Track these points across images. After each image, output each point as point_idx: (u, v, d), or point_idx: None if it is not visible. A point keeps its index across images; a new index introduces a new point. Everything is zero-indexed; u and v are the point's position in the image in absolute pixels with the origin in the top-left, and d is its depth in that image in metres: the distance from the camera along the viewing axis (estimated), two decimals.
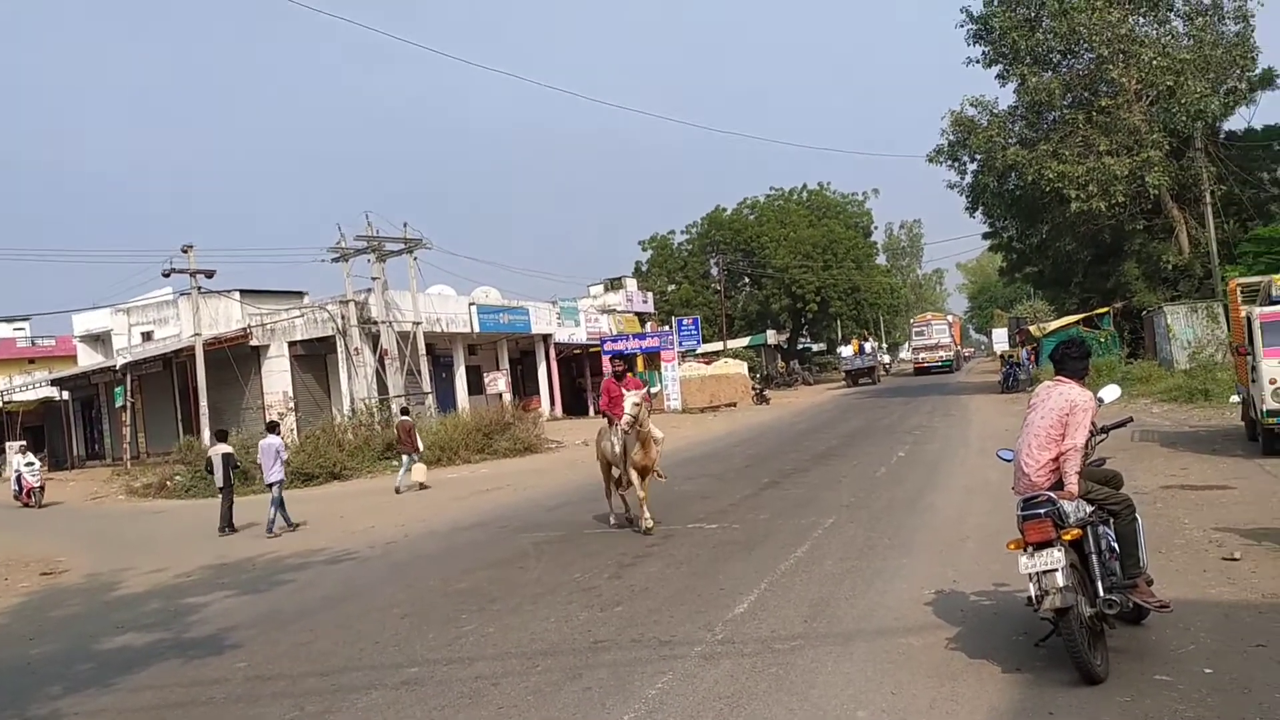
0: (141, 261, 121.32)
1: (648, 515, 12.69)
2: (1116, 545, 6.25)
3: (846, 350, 63.22)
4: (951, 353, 65.75)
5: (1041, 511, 5.96)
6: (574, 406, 46.99)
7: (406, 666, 7.42)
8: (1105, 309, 37.68)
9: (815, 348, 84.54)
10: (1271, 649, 6.05)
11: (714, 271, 69.94)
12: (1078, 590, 5.81)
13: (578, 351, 48.38)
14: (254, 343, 33.80)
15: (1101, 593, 5.99)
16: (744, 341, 67.29)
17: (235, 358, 32.14)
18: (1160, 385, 27.77)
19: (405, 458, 21.78)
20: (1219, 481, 12.77)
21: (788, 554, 10.31)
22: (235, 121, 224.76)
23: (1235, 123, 38.27)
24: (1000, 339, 70.58)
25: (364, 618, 9.38)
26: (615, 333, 50.12)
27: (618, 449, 13.02)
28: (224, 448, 18.21)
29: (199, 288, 30.59)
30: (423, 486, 21.37)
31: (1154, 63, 32.29)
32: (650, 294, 62.29)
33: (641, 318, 57.18)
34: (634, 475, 12.81)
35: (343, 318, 32.54)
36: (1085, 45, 33.97)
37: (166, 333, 37.49)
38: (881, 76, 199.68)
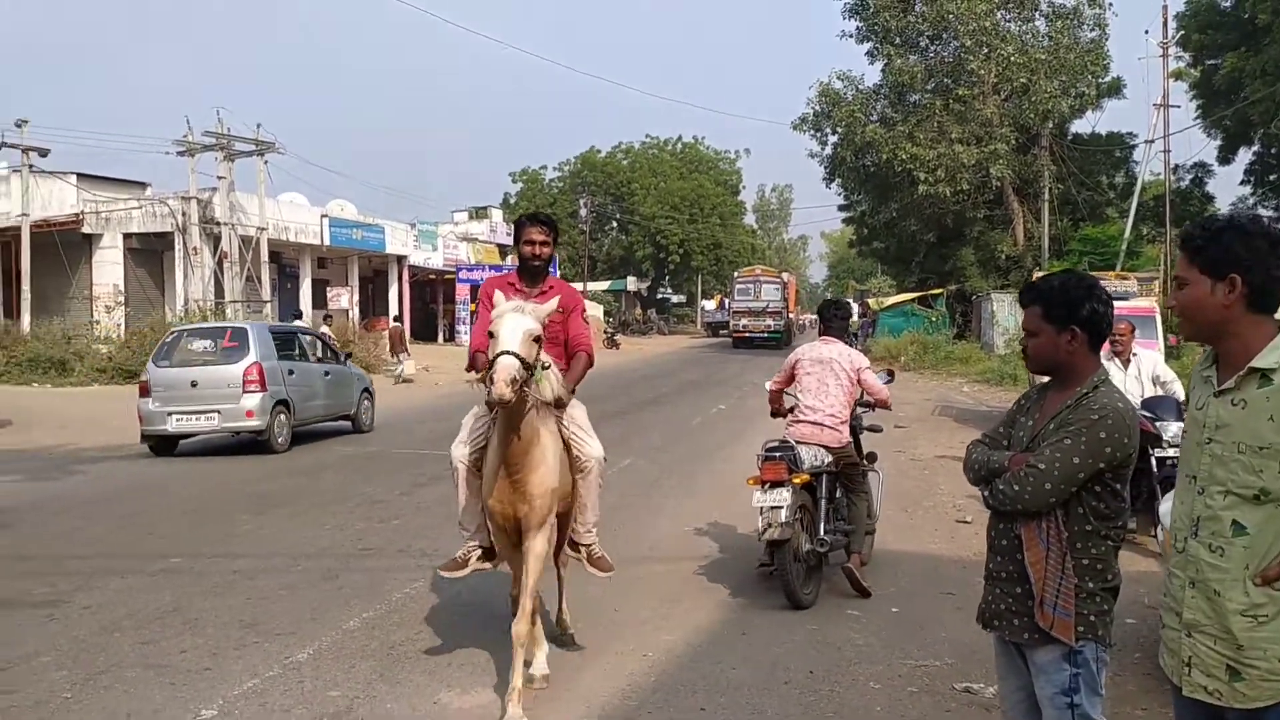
0: None
1: (540, 664, 5.21)
2: (853, 495, 6.96)
3: (709, 304, 66.37)
4: (783, 321, 50.05)
5: (779, 455, 6.55)
6: (424, 332, 46.62)
7: (171, 556, 7.57)
8: (940, 290, 39.47)
9: (675, 299, 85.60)
10: (957, 597, 6.77)
11: (582, 212, 69.85)
12: (798, 527, 6.43)
13: (432, 277, 47.90)
14: (86, 230, 32.27)
15: (822, 533, 6.66)
16: (604, 285, 67.66)
17: (64, 244, 30.63)
18: (978, 367, 29.41)
19: (399, 357, 26.95)
20: None
21: None
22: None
23: (1081, 126, 40.54)
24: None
25: (146, 511, 9.44)
26: (473, 261, 49.77)
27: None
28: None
29: (30, 166, 29.00)
30: (408, 381, 25.95)
31: (1012, 59, 33.78)
32: None
33: (503, 250, 56.75)
34: (501, 540, 5.18)
35: (184, 214, 31.33)
36: (951, 33, 35.21)
37: None
38: (762, 39, 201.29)
